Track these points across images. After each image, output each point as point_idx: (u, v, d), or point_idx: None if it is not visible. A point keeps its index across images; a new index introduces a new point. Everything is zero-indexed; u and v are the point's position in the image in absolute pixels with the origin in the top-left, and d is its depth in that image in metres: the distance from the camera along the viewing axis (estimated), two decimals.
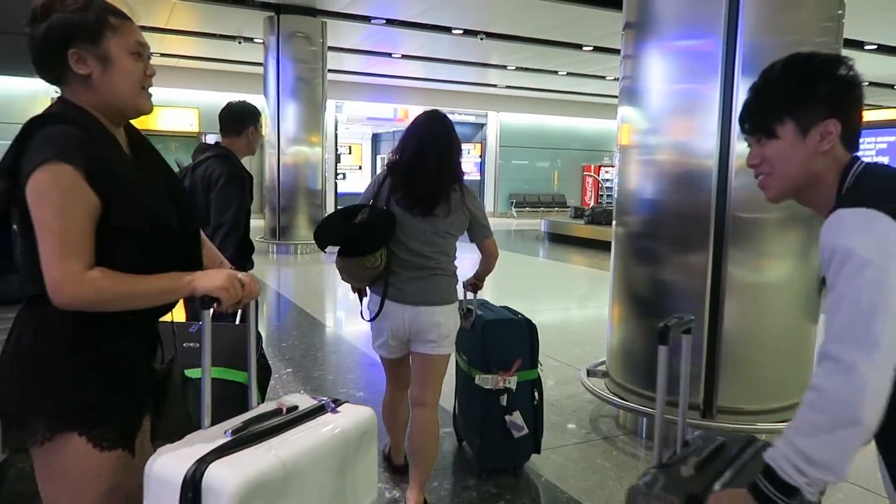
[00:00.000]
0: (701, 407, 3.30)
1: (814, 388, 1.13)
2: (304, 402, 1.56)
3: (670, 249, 3.41)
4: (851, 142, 1.27)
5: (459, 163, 2.64)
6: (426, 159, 2.50)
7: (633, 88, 3.58)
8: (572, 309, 7.82)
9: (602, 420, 3.78)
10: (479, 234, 2.68)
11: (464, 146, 20.45)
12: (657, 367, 1.67)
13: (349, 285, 2.72)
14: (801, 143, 1.25)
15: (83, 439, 1.34)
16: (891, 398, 1.08)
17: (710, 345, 3.29)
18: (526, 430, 2.90)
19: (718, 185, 3.23)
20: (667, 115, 3.44)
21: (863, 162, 1.26)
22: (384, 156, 25.97)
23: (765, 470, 1.15)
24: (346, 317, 6.24)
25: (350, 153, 25.43)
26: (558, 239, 14.50)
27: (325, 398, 1.62)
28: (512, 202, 23.34)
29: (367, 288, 2.66)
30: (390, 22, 12.40)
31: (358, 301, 2.76)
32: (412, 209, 2.52)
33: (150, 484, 1.27)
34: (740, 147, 3.18)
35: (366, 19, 12.15)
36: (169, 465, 1.26)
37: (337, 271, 2.61)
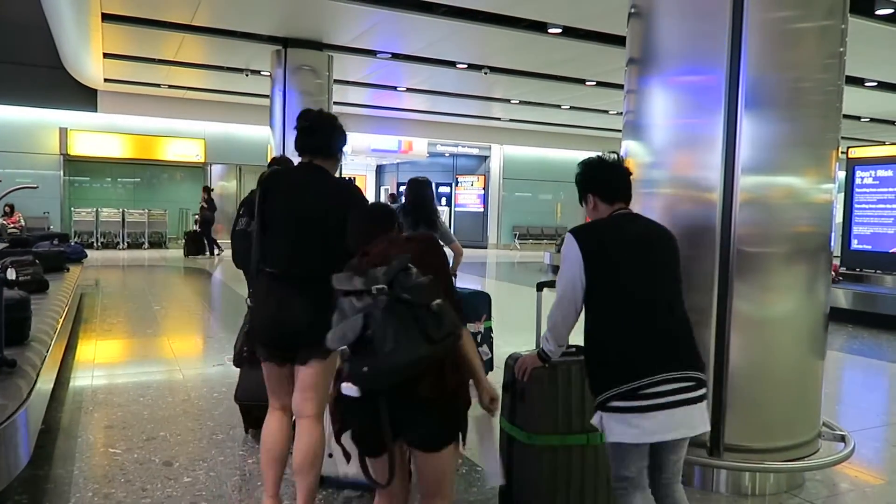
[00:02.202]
0: (707, 444, 3.23)
1: (549, 314, 2.43)
2: None
3: None
4: (609, 201, 2.45)
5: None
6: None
7: (636, 123, 3.58)
8: (576, 341, 7.74)
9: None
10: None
11: (467, 178, 20.75)
12: None
13: None
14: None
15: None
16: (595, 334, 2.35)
17: (717, 380, 3.23)
18: (490, 355, 4.37)
19: (723, 219, 3.21)
20: (670, 149, 3.44)
21: (613, 214, 2.45)
22: (387, 187, 26.11)
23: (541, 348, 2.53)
24: None
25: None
26: None
27: None
28: (515, 234, 23.34)
29: None
30: (395, 56, 12.57)
31: None
32: None
33: None
34: (745, 181, 3.18)
35: (371, 53, 12.32)
36: None
37: None
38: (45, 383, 3.38)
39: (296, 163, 2.92)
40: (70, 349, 5.61)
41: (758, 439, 3.24)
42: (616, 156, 2.57)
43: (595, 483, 2.78)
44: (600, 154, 2.52)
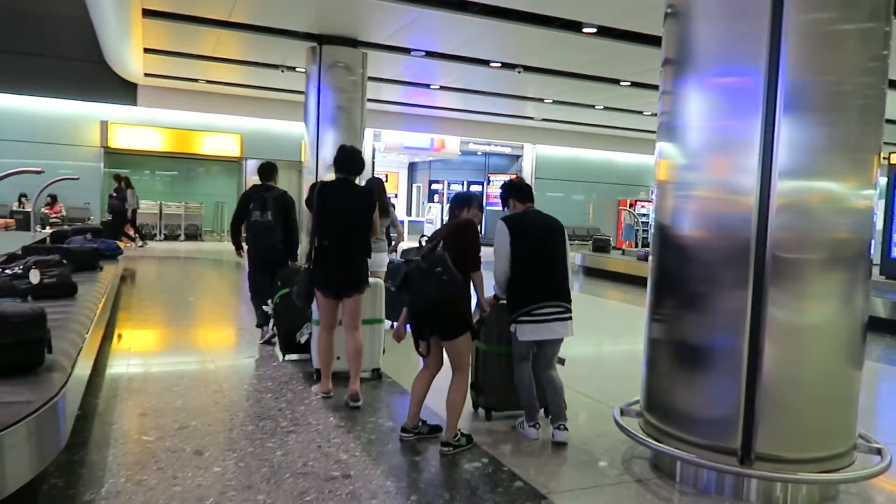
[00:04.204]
0: (738, 453, 3.18)
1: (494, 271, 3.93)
2: None
3: (708, 288, 3.32)
4: (523, 202, 4.04)
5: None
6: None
7: (671, 124, 3.54)
8: (605, 344, 7.69)
9: (636, 462, 3.67)
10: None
11: (498, 178, 20.67)
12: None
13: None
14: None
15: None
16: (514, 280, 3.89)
17: (749, 387, 3.18)
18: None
19: (759, 223, 3.15)
20: (706, 151, 3.39)
21: (526, 210, 4.03)
22: (419, 184, 26.19)
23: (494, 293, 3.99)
24: (403, 358, 6.22)
25: (387, 181, 25.70)
26: (594, 273, 14.35)
27: None
28: None
29: None
30: (429, 54, 12.58)
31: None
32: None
33: None
34: (782, 185, 3.12)
35: (405, 51, 12.35)
36: None
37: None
38: (82, 372, 3.46)
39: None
40: (107, 337, 5.73)
41: (791, 449, 3.18)
42: (520, 179, 4.55)
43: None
44: (513, 177, 4.27)
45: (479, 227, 3.96)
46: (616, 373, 5.81)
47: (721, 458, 3.23)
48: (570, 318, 3.88)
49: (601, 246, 15.53)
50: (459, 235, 3.75)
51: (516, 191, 4.08)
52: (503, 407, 4.27)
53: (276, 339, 5.78)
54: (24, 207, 15.78)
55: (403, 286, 3.57)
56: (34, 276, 4.36)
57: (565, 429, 3.86)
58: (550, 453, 3.78)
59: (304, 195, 4.83)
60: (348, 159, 4.49)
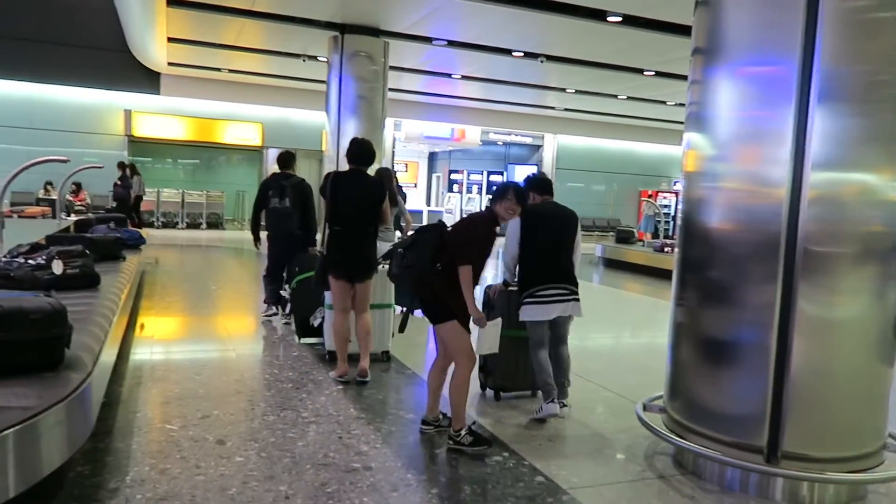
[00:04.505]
0: (764, 451, 3.12)
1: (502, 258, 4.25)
2: None
3: (736, 281, 3.26)
4: (541, 195, 4.28)
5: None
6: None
7: (700, 114, 3.46)
8: (625, 337, 7.62)
9: (658, 457, 3.62)
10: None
11: (519, 168, 20.61)
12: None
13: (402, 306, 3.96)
14: None
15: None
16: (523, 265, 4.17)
17: (777, 383, 3.12)
18: None
19: (790, 216, 3.08)
20: (735, 142, 3.31)
21: (543, 201, 4.28)
22: (439, 174, 26.12)
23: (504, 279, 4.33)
24: (411, 341, 6.23)
25: (406, 171, 25.66)
26: (614, 264, 14.24)
27: None
28: None
29: None
30: (451, 43, 12.50)
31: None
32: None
33: None
34: (814, 177, 3.04)
35: (427, 40, 12.28)
36: None
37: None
38: (106, 361, 3.48)
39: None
40: (130, 325, 5.79)
41: (818, 448, 3.12)
42: (542, 174, 4.70)
43: (526, 354, 4.27)
44: (535, 172, 4.65)
45: (499, 222, 3.73)
46: (636, 366, 5.75)
47: (746, 456, 3.18)
48: (577, 299, 4.15)
49: (624, 237, 15.40)
50: (467, 228, 3.73)
51: (537, 185, 4.32)
52: (511, 388, 4.50)
53: (280, 318, 6.46)
54: (49, 195, 16.02)
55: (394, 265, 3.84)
56: (57, 267, 4.31)
57: (564, 405, 4.11)
58: (572, 447, 3.75)
59: None
60: (360, 151, 4.77)
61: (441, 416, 3.78)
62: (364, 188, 4.73)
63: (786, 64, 3.06)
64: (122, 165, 15.71)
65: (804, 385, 3.11)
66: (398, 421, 3.96)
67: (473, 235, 3.64)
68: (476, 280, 3.57)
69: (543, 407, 4.04)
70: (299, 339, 5.75)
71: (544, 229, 4.12)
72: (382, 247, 5.59)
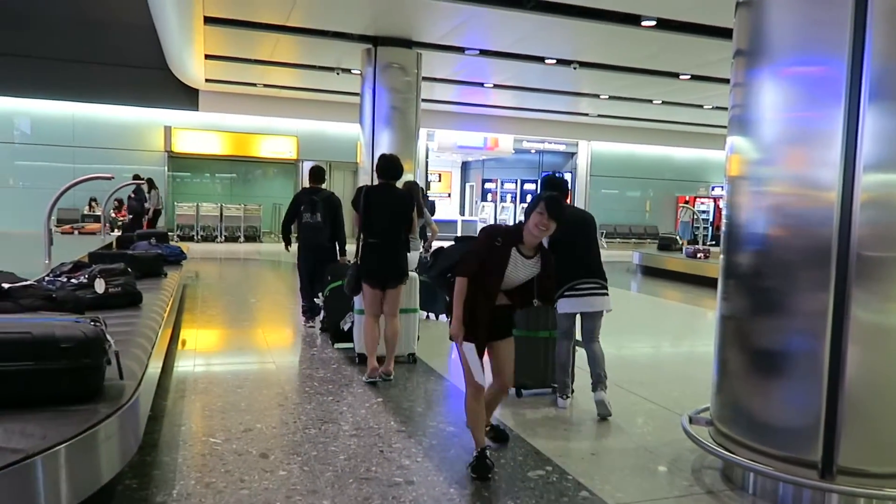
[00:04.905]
0: (819, 466, 3.01)
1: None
2: None
3: (786, 289, 3.15)
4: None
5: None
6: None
7: (744, 118, 3.38)
8: (665, 346, 7.48)
9: (706, 472, 3.52)
10: None
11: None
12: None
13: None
14: None
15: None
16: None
17: (830, 395, 3.00)
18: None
19: (841, 220, 2.97)
20: (782, 145, 3.22)
21: None
22: (472, 183, 26.13)
23: None
24: (435, 345, 6.21)
25: (440, 180, 25.73)
26: (652, 272, 14.02)
27: None
28: (602, 232, 22.86)
29: None
30: (483, 52, 12.51)
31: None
32: None
33: None
34: (867, 179, 2.93)
35: (459, 50, 12.31)
36: None
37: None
38: (152, 375, 3.52)
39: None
40: (173, 338, 5.88)
41: (876, 463, 2.99)
42: (560, 176, 4.90)
43: (545, 353, 4.69)
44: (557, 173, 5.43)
45: (522, 238, 3.33)
46: (678, 375, 5.63)
47: (800, 471, 3.06)
48: (607, 293, 4.37)
49: (666, 244, 15.16)
50: (475, 240, 3.50)
51: (553, 187, 4.45)
52: (532, 385, 4.74)
53: (317, 327, 6.76)
54: (94, 211, 16.46)
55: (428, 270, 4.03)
56: (99, 286, 4.29)
57: (604, 391, 4.33)
58: (616, 461, 3.67)
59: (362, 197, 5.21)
60: (388, 165, 5.11)
61: (488, 428, 3.74)
62: (394, 200, 5.07)
63: (834, 63, 2.96)
64: (136, 178, 15.14)
65: (860, 396, 2.99)
66: (439, 434, 3.93)
67: (474, 247, 3.39)
68: (491, 297, 3.29)
69: (559, 401, 4.50)
70: (333, 343, 6.04)
71: (572, 231, 4.15)
72: (410, 255, 5.96)
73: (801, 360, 3.12)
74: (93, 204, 16.96)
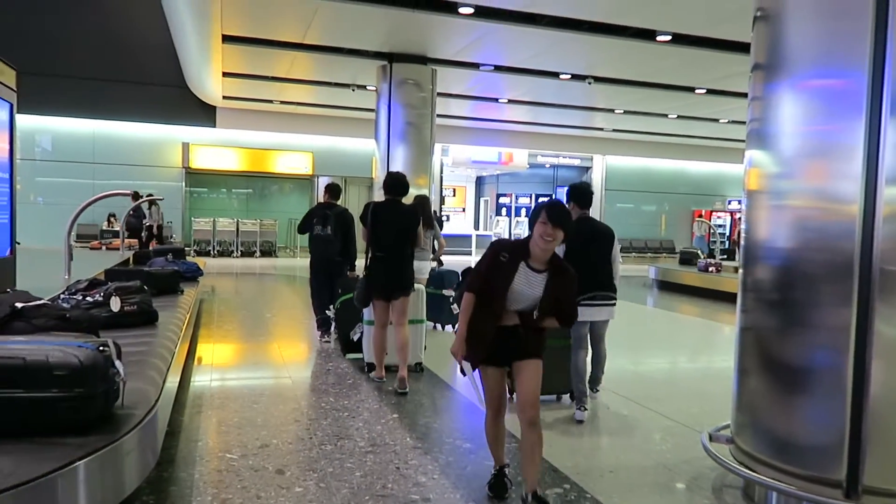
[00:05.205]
0: (843, 485, 2.94)
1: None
2: None
3: (808, 304, 3.11)
4: (582, 207, 4.74)
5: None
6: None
7: (763, 131, 3.35)
8: (681, 361, 7.39)
9: (727, 490, 3.46)
10: None
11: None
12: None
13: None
14: None
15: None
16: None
17: (855, 413, 2.94)
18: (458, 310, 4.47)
19: (863, 234, 2.93)
20: (801, 158, 3.19)
21: (580, 217, 4.62)
22: (487, 198, 26.14)
23: None
24: (442, 355, 6.19)
25: (454, 195, 25.78)
26: (668, 287, 13.90)
27: None
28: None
29: None
30: (498, 68, 12.57)
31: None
32: None
33: None
34: (889, 192, 2.88)
35: (474, 66, 12.38)
36: None
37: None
38: (169, 390, 3.53)
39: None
40: (189, 354, 5.90)
41: None
42: (587, 186, 5.05)
43: (551, 361, 4.14)
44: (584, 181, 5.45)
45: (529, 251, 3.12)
46: (695, 392, 5.55)
47: (824, 491, 2.99)
48: (614, 304, 4.77)
49: (688, 259, 15.02)
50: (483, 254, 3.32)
51: (580, 195, 4.66)
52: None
53: (332, 340, 6.85)
54: (113, 226, 16.64)
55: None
56: (115, 304, 4.25)
57: (597, 391, 5.00)
58: (635, 479, 3.62)
59: None
60: (395, 183, 5.38)
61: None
62: (400, 217, 5.30)
63: (854, 75, 2.93)
64: (135, 196, 14.05)
65: (885, 413, 2.92)
66: (455, 450, 3.90)
67: (479, 262, 3.20)
68: (495, 315, 3.03)
69: (576, 413, 4.57)
70: (344, 354, 6.18)
71: (578, 244, 4.22)
72: (420, 266, 6.23)
73: (823, 375, 3.07)
74: (112, 220, 17.16)
